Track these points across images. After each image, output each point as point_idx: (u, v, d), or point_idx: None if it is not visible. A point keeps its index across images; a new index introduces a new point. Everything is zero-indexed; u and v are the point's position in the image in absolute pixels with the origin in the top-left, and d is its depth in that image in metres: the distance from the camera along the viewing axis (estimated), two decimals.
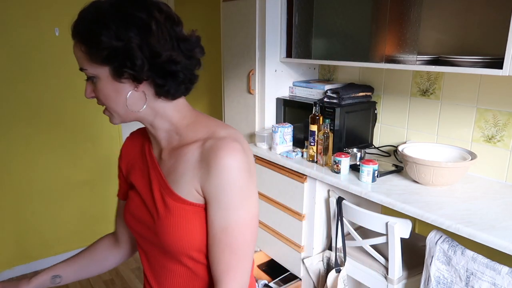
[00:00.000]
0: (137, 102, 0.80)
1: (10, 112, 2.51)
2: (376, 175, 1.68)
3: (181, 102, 0.86)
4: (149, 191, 0.88)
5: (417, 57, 1.65)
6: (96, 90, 0.79)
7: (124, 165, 1.00)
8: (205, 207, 0.81)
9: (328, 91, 2.07)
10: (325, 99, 2.07)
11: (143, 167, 0.92)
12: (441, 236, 1.40)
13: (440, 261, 1.39)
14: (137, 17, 0.73)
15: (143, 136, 0.96)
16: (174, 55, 0.76)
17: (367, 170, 1.66)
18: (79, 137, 2.77)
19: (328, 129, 1.86)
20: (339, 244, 1.81)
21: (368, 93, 2.14)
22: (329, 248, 1.95)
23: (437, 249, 1.39)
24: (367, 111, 2.14)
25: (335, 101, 2.02)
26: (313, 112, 1.91)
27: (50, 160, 2.68)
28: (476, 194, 1.57)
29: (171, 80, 0.79)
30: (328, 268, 1.91)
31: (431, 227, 1.41)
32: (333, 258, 1.86)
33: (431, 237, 1.42)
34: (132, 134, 1.02)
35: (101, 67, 0.76)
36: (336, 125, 1.98)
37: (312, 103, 2.00)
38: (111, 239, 1.12)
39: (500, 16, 1.47)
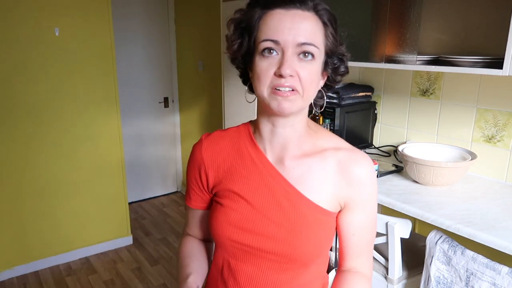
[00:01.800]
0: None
1: (10, 112, 2.51)
2: (376, 175, 1.68)
3: None
4: (269, 199, 0.83)
5: (417, 57, 1.65)
6: (304, 70, 0.75)
7: (213, 173, 0.90)
8: (337, 214, 0.87)
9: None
10: (325, 99, 2.07)
11: (247, 174, 0.86)
12: (441, 236, 1.40)
13: (440, 261, 1.39)
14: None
15: (230, 141, 0.90)
16: (343, 51, 0.84)
17: None
18: (79, 137, 2.77)
19: (328, 129, 1.86)
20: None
21: (368, 93, 2.14)
22: (330, 249, 1.94)
23: (437, 249, 1.39)
24: (367, 111, 2.14)
25: (335, 101, 2.02)
26: (313, 112, 1.91)
27: (50, 160, 2.68)
28: (476, 194, 1.57)
29: (339, 75, 0.85)
30: (328, 268, 1.91)
31: (431, 227, 1.41)
32: (333, 258, 1.86)
33: (431, 237, 1.42)
34: (210, 139, 0.92)
35: (322, 54, 0.80)
36: (336, 125, 1.98)
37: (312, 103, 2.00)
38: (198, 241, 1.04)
39: (500, 16, 1.47)
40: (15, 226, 2.65)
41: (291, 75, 0.74)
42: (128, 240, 3.12)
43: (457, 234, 1.31)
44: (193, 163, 0.93)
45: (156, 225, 3.46)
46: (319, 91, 0.86)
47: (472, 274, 1.29)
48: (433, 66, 1.57)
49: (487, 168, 1.75)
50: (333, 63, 0.82)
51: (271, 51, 0.75)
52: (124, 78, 3.48)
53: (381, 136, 2.19)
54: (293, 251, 0.81)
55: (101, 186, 2.90)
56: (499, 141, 1.70)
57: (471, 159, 1.58)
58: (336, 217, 0.89)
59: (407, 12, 1.68)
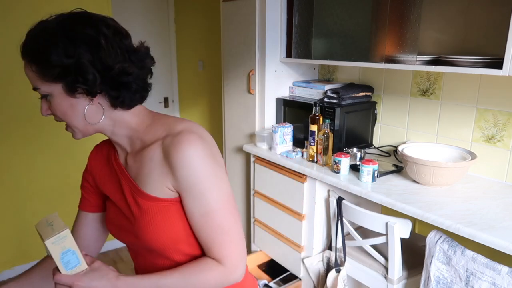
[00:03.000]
0: (94, 114, 0.83)
1: (10, 112, 2.51)
2: (376, 175, 1.68)
3: (138, 107, 0.89)
4: (122, 197, 0.91)
5: (417, 57, 1.65)
6: (52, 108, 0.81)
7: (93, 178, 1.01)
8: (180, 200, 0.85)
9: (328, 91, 2.07)
10: (325, 99, 2.07)
11: (111, 175, 0.95)
12: (441, 236, 1.40)
13: (440, 261, 1.39)
14: (85, 33, 0.76)
15: (108, 146, 0.99)
16: (126, 66, 0.79)
17: (367, 170, 1.66)
18: None
19: (328, 129, 1.86)
20: (339, 244, 1.81)
21: (368, 93, 2.14)
22: (329, 248, 1.95)
23: (437, 249, 1.39)
24: (367, 111, 2.14)
25: (335, 101, 2.02)
26: (313, 112, 1.91)
27: (50, 160, 2.68)
28: (476, 194, 1.57)
29: (125, 91, 0.82)
30: (328, 268, 1.91)
31: (431, 227, 1.41)
32: (333, 258, 1.86)
33: (431, 237, 1.42)
34: (96, 146, 1.04)
35: (54, 85, 0.78)
36: (336, 125, 1.98)
37: (312, 103, 2.00)
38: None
39: (500, 16, 1.47)
40: (15, 226, 2.65)
41: (50, 114, 0.84)
42: None
43: (457, 234, 1.31)
44: (85, 169, 1.06)
45: None
46: (98, 105, 0.83)
47: (472, 274, 1.29)
48: (433, 66, 1.57)
49: (487, 168, 1.75)
50: (72, 80, 0.77)
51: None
52: None
53: (381, 136, 2.19)
54: (142, 241, 0.88)
55: None
56: (499, 141, 1.70)
57: (471, 159, 1.58)
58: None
59: (407, 12, 1.68)
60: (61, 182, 2.75)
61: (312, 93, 2.23)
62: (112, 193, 0.94)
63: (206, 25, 3.32)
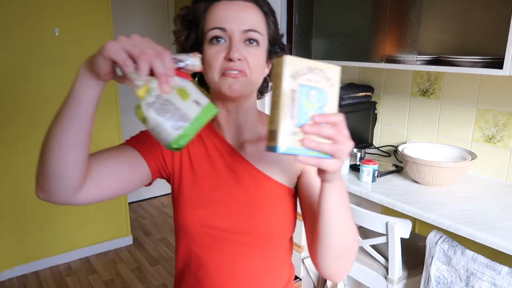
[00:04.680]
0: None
1: (10, 112, 2.51)
2: (376, 175, 1.68)
3: None
4: (233, 181, 0.86)
5: (417, 57, 1.65)
6: (251, 55, 0.79)
7: (177, 159, 0.89)
8: (294, 191, 0.88)
9: None
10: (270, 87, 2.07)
11: (211, 159, 0.88)
12: (441, 236, 1.40)
13: (440, 261, 1.39)
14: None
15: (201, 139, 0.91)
16: (283, 41, 0.89)
17: (367, 170, 1.66)
18: None
19: None
20: None
21: (368, 93, 2.14)
22: None
23: (437, 249, 1.39)
24: (367, 111, 2.14)
25: None
26: None
27: None
28: (476, 194, 1.57)
29: None
30: None
31: (431, 227, 1.41)
32: None
33: (431, 237, 1.42)
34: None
35: (266, 41, 0.83)
36: None
37: None
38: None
39: (500, 16, 1.47)
40: (15, 226, 2.65)
41: (239, 59, 0.77)
42: (128, 240, 3.12)
43: (457, 234, 1.31)
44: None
45: (156, 225, 3.46)
46: (265, 79, 0.90)
47: (472, 274, 1.29)
48: (433, 66, 1.57)
49: (487, 168, 1.75)
50: (275, 52, 0.87)
51: (219, 39, 0.79)
52: None
53: (381, 136, 2.19)
54: (257, 227, 0.84)
55: None
56: (499, 141, 1.70)
57: (471, 159, 1.58)
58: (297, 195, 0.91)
59: (407, 12, 1.68)
60: None
61: None
62: (213, 175, 0.87)
63: None
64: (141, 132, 0.90)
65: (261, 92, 0.94)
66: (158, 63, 0.57)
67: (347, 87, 2.11)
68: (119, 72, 0.59)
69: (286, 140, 0.57)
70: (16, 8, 2.41)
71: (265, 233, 0.85)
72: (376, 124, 2.20)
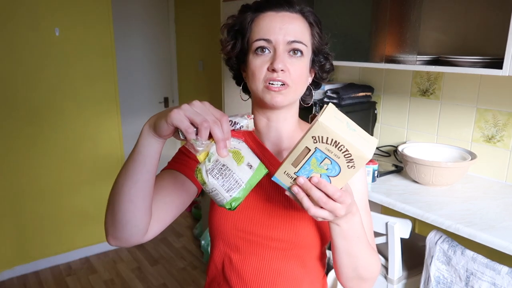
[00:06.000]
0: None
1: (10, 112, 2.51)
2: (376, 175, 1.68)
3: None
4: (272, 189, 0.87)
5: (417, 57, 1.65)
6: (293, 66, 0.81)
7: None
8: None
9: (328, 91, 2.07)
10: (325, 99, 2.07)
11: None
12: (441, 236, 1.40)
13: (440, 261, 1.39)
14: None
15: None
16: (327, 50, 0.89)
17: (367, 170, 1.66)
18: (79, 137, 2.77)
19: None
20: None
21: (368, 93, 2.14)
22: (329, 248, 1.94)
23: (437, 249, 1.39)
24: (367, 111, 2.14)
25: (335, 101, 2.02)
26: (313, 112, 1.91)
27: (50, 160, 2.68)
28: (476, 194, 1.57)
29: (325, 72, 0.91)
30: (328, 268, 1.91)
31: (431, 227, 1.41)
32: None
33: (431, 237, 1.42)
34: None
35: (310, 52, 0.85)
36: None
37: (312, 103, 1.99)
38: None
39: (500, 16, 1.47)
40: (15, 226, 2.65)
41: (282, 70, 0.79)
42: None
43: (457, 234, 1.31)
44: None
45: None
46: (307, 88, 0.91)
47: (472, 274, 1.29)
48: (433, 66, 1.57)
49: (487, 168, 1.75)
50: (319, 61, 0.88)
51: (264, 49, 0.81)
52: (124, 78, 3.48)
53: (381, 136, 2.19)
54: (296, 235, 0.85)
55: (101, 185, 2.90)
56: (499, 141, 1.70)
57: (471, 159, 1.58)
58: None
59: (407, 12, 1.68)
60: (61, 181, 2.75)
61: None
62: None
63: (206, 25, 3.32)
64: (179, 151, 0.92)
65: (303, 100, 0.94)
66: (217, 129, 0.63)
67: (347, 87, 2.10)
68: (181, 136, 0.64)
69: (280, 176, 0.68)
70: (16, 8, 2.41)
71: (301, 240, 0.86)
72: (376, 124, 2.20)
